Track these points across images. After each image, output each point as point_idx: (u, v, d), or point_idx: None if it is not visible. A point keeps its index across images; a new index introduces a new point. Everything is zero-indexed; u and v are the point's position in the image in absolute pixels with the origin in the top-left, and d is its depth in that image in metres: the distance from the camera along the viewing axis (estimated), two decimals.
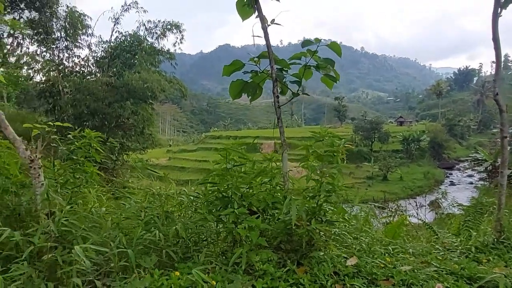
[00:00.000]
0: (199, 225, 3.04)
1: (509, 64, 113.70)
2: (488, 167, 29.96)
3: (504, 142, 3.39)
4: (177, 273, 2.29)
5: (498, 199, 3.47)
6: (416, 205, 10.26)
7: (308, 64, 2.84)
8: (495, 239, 3.43)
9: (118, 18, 18.32)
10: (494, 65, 3.69)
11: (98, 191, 3.32)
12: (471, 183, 41.01)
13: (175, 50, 19.36)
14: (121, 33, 18.47)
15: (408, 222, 5.21)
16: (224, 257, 2.80)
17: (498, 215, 3.45)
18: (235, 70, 3.14)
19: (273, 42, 3.02)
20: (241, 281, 2.34)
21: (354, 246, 3.22)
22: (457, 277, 2.61)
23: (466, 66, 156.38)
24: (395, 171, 44.14)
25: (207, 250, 2.88)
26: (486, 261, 3.08)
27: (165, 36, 18.68)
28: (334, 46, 2.59)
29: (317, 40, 2.56)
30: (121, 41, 18.29)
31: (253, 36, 2.82)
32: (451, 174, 51.11)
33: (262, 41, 3.08)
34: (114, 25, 18.37)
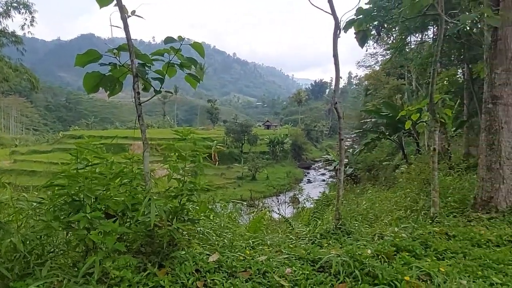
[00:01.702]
0: (43, 235, 2.65)
1: (352, 81, 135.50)
2: (336, 166, 35.14)
3: (341, 144, 4.03)
4: None
5: (337, 192, 4.09)
6: (278, 202, 11.25)
7: (171, 61, 2.80)
8: (335, 226, 4.04)
9: None
10: (340, 80, 4.37)
11: None
12: (324, 180, 47.16)
13: (24, 33, 16.49)
14: None
15: (268, 217, 5.69)
16: (75, 268, 2.51)
17: (337, 205, 4.07)
18: (91, 61, 2.85)
19: (145, 38, 2.88)
20: None
21: (217, 242, 3.31)
22: (303, 261, 2.96)
23: (320, 79, 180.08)
24: (262, 171, 47.49)
25: (53, 263, 2.54)
26: (327, 245, 3.59)
27: (9, 16, 15.72)
28: (197, 47, 2.61)
29: (180, 38, 2.54)
30: None
31: (111, 26, 2.61)
32: (309, 173, 57.75)
33: (135, 35, 2.88)
34: None
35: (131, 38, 2.73)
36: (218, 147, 52.86)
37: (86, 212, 2.39)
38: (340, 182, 4.01)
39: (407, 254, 3.30)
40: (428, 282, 2.75)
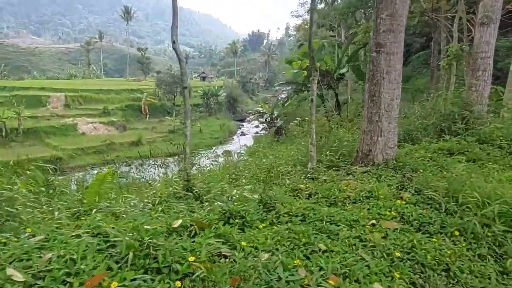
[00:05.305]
0: None
1: (289, 32, 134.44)
2: (267, 119, 35.35)
3: (184, 92, 3.68)
4: None
5: (184, 151, 3.89)
6: (179, 159, 10.81)
7: None
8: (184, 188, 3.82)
9: None
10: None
11: None
12: (257, 132, 47.79)
13: None
14: None
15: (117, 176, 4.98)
16: None
17: (184, 166, 3.89)
18: None
19: None
20: None
21: None
22: None
23: (258, 30, 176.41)
24: (195, 124, 46.51)
25: None
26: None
27: None
28: None
29: None
30: None
31: None
32: (243, 125, 57.94)
33: None
34: None
35: None
36: (148, 99, 50.17)
37: None
38: (187, 138, 3.75)
39: (237, 221, 2.88)
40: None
